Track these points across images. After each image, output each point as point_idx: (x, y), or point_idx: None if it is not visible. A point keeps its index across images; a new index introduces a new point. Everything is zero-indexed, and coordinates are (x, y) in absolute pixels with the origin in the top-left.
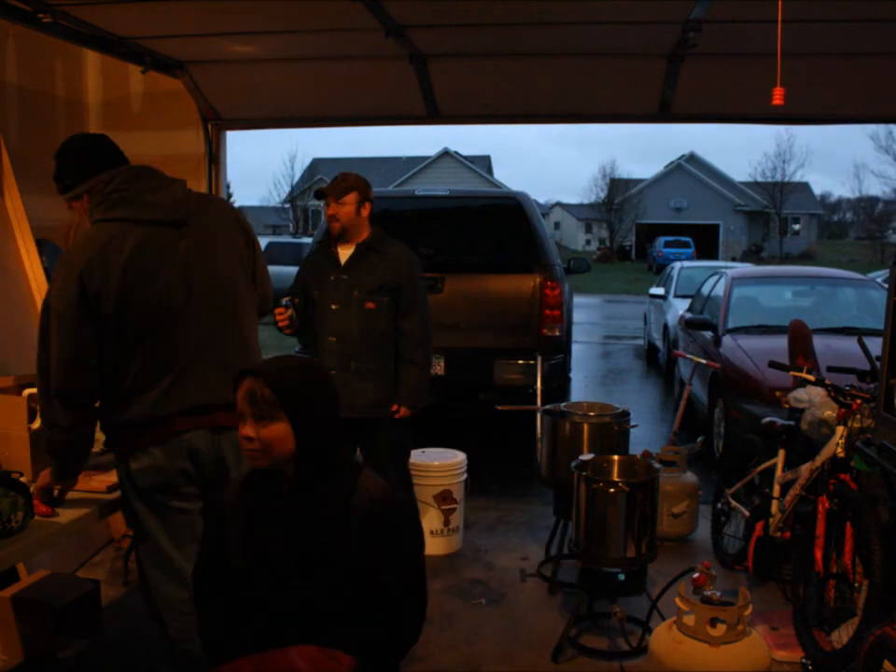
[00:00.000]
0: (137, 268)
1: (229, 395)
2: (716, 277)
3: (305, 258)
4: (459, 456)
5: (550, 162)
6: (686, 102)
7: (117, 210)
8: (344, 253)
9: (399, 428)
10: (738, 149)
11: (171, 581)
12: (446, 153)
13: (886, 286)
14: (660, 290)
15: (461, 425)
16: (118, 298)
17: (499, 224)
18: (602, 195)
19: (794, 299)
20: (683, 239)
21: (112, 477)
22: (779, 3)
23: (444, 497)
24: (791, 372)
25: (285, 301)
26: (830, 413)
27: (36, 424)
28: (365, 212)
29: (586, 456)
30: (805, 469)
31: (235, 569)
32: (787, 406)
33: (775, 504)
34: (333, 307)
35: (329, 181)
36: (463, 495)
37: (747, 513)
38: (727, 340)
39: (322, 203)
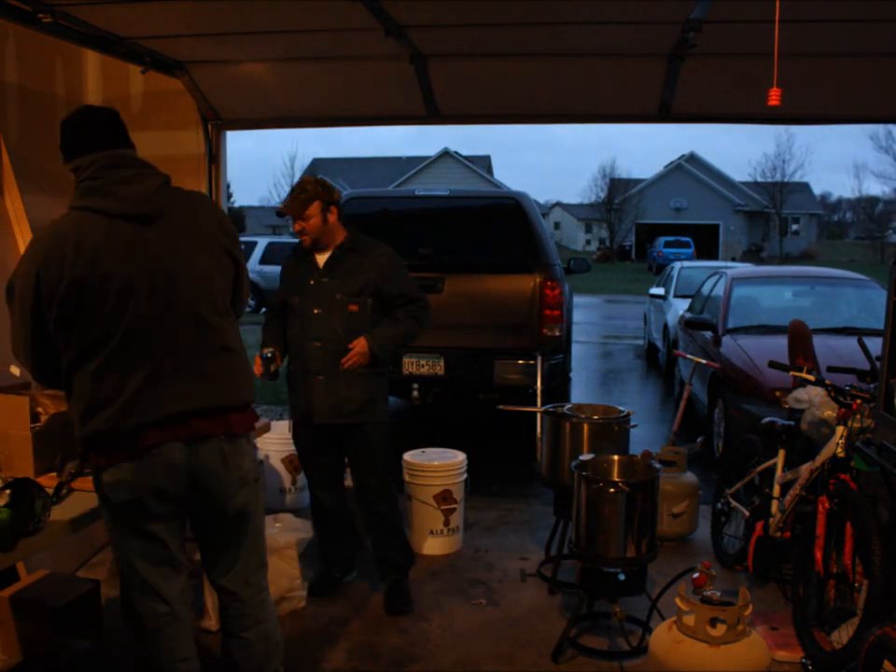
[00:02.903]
0: (93, 264)
1: (205, 400)
2: (716, 277)
3: (283, 264)
4: (459, 456)
5: (550, 162)
6: (686, 102)
7: (86, 199)
8: (322, 257)
9: (382, 434)
10: (738, 149)
11: (145, 596)
12: (446, 153)
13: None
14: (660, 290)
15: (461, 425)
16: (72, 295)
17: (499, 224)
18: (602, 195)
19: (794, 299)
20: (683, 239)
21: None
22: (777, 3)
23: (444, 497)
24: (791, 372)
25: (266, 352)
26: (830, 412)
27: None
28: (332, 217)
29: (586, 456)
30: (805, 469)
31: None
32: (787, 406)
33: (775, 504)
34: (315, 311)
35: (329, 181)
36: (463, 495)
37: (747, 513)
38: (727, 340)
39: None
